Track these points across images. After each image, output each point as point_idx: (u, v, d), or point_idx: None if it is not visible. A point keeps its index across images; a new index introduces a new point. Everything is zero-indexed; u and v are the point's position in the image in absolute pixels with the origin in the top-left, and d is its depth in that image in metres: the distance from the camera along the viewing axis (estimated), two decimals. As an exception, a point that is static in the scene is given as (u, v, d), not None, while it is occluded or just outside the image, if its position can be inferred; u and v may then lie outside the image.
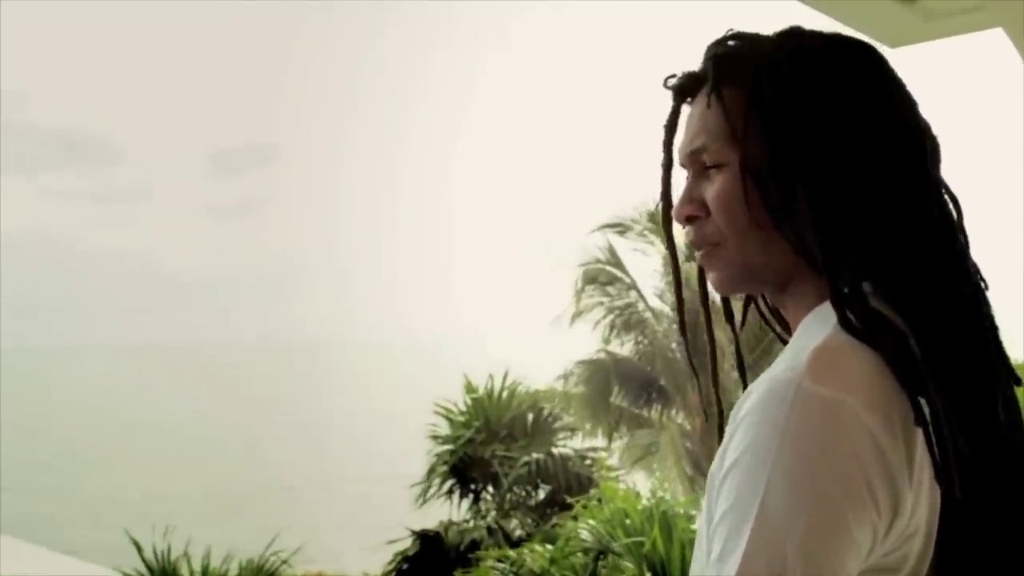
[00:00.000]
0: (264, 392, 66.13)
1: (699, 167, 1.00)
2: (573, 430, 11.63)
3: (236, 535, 11.03)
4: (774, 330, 1.07)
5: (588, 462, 10.64)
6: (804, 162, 0.92)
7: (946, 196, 0.98)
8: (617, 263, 12.76)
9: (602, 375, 12.53)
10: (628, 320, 12.64)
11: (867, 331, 0.88)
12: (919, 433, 0.85)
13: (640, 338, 12.71)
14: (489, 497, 10.69)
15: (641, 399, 12.66)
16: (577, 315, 12.56)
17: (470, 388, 11.31)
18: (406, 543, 9.71)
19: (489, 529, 9.54)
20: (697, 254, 1.02)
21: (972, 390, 0.91)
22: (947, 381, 0.89)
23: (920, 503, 0.87)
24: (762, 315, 1.09)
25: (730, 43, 1.00)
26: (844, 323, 0.89)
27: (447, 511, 10.64)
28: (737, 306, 1.12)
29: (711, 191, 0.98)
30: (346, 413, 47.49)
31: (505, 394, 11.30)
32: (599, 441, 12.09)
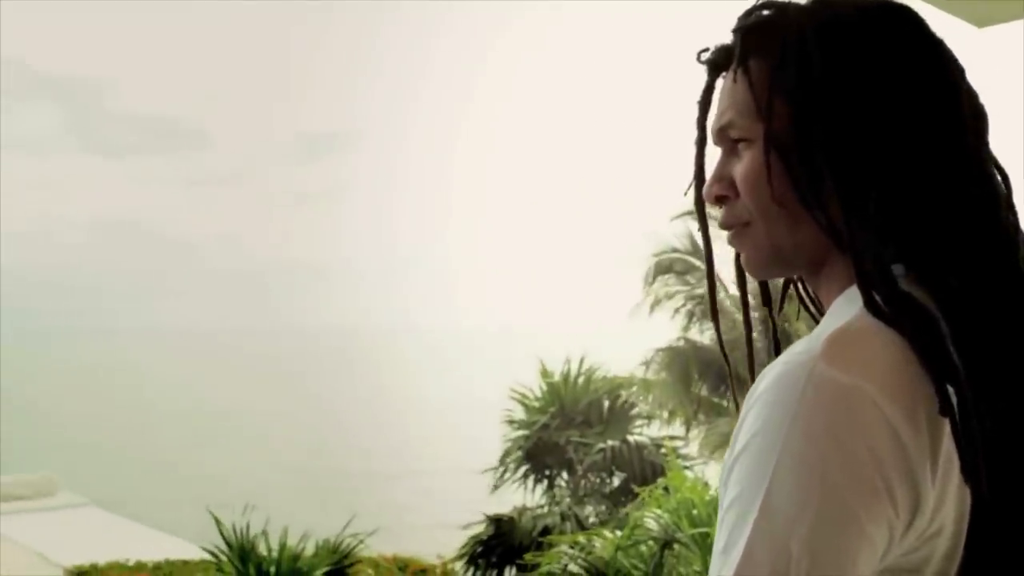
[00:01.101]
0: (343, 377, 67.43)
1: (729, 144, 0.95)
2: (649, 418, 11.49)
3: (312, 517, 11.19)
4: (812, 315, 0.99)
5: (663, 450, 10.49)
6: (829, 136, 0.85)
7: (992, 170, 0.89)
8: (696, 251, 12.58)
9: (681, 363, 12.36)
10: (707, 308, 12.43)
11: (893, 313, 0.80)
12: (946, 425, 0.77)
13: (731, 327, 12.51)
14: (563, 483, 10.65)
15: (721, 387, 12.46)
16: (656, 303, 12.44)
17: (545, 373, 11.26)
18: (480, 527, 9.73)
19: (562, 515, 9.48)
20: (727, 235, 0.96)
21: (1010, 380, 0.81)
22: (981, 369, 0.80)
23: (946, 500, 0.78)
24: (800, 299, 1.02)
25: (760, 13, 0.93)
26: (869, 304, 0.82)
27: (522, 496, 10.62)
28: (776, 291, 1.05)
29: (739, 169, 0.92)
30: (423, 399, 48.04)
31: (581, 380, 11.21)
32: (677, 429, 11.94)
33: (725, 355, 1.06)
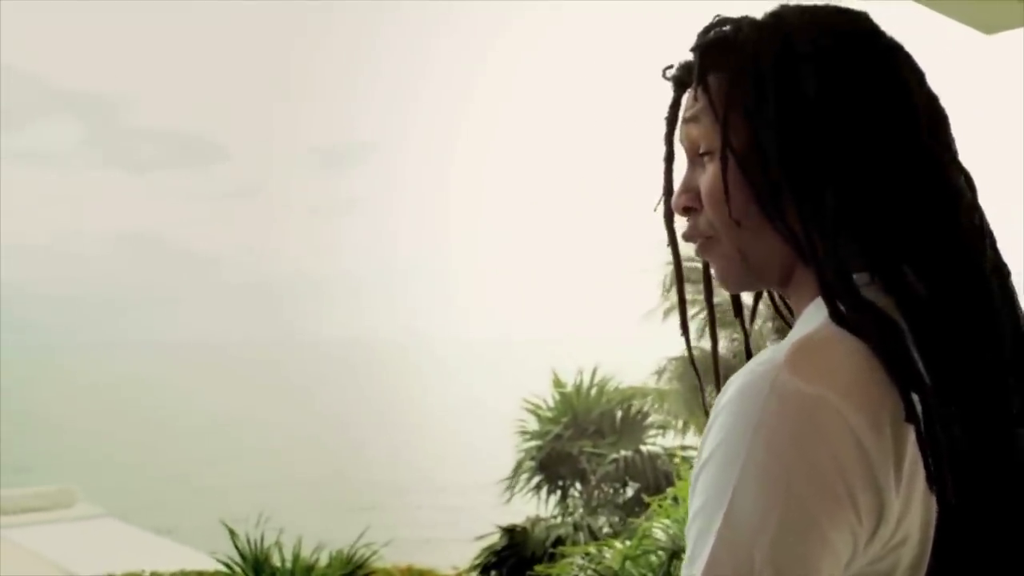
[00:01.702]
0: (357, 389, 67.48)
1: (694, 157, 0.96)
2: (663, 427, 11.44)
3: (326, 528, 11.22)
4: (788, 325, 0.99)
5: (677, 460, 10.45)
6: (784, 147, 0.86)
7: (953, 174, 0.89)
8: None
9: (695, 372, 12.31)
10: (723, 317, 12.35)
11: (857, 322, 0.81)
12: (911, 433, 0.77)
13: (735, 335, 12.45)
14: (577, 494, 10.62)
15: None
16: (668, 311, 12.40)
17: (558, 383, 11.25)
18: (494, 538, 9.71)
19: (576, 526, 9.46)
20: (695, 247, 0.98)
21: (979, 386, 0.82)
22: (946, 376, 0.81)
23: (912, 508, 0.78)
24: (777, 310, 1.02)
25: (716, 29, 0.95)
26: (833, 313, 0.82)
27: (535, 507, 10.60)
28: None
29: (704, 181, 0.94)
30: (437, 410, 47.98)
31: (594, 391, 11.19)
32: (692, 439, 11.89)
33: (696, 369, 1.07)
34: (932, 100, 0.91)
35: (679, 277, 1.03)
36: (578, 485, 10.64)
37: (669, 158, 1.00)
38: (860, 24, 0.91)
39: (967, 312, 0.84)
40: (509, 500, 10.80)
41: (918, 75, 0.91)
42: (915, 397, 0.77)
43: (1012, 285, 0.90)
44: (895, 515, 0.77)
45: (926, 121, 0.88)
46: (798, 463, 0.74)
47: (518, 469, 10.90)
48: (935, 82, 0.93)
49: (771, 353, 0.80)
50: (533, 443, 10.97)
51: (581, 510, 10.22)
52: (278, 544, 8.35)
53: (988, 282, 0.86)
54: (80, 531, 15.32)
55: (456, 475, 26.85)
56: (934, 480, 0.77)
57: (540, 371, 11.82)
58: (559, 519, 10.09)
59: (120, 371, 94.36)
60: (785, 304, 1.00)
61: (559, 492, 10.72)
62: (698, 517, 0.78)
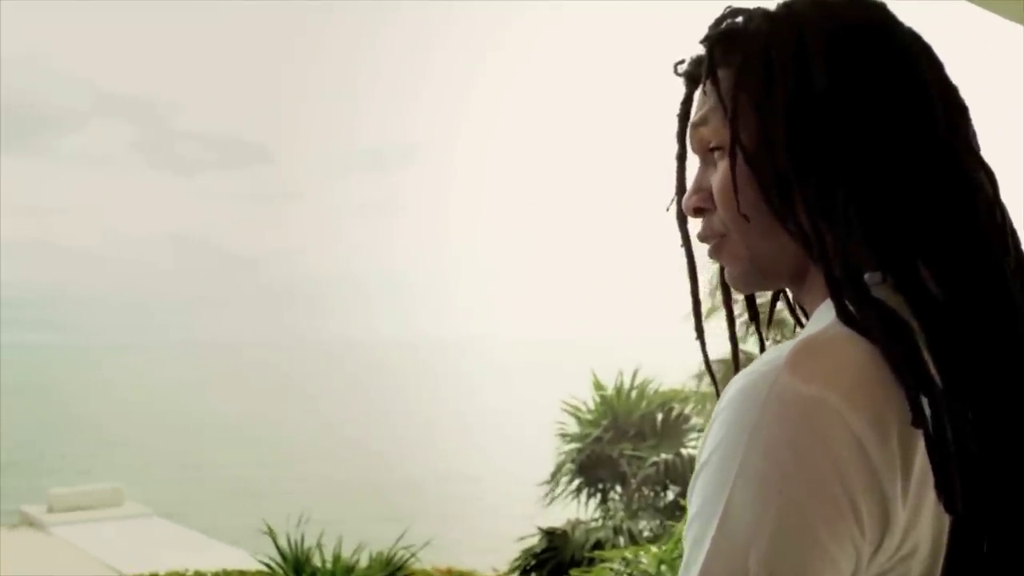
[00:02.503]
0: (403, 388, 67.90)
1: (705, 154, 0.93)
2: (704, 431, 11.34)
3: (367, 529, 11.28)
4: (802, 326, 0.95)
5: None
6: (794, 141, 0.83)
7: (972, 168, 0.84)
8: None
9: (736, 374, 12.20)
10: (765, 318, 12.24)
11: (865, 321, 0.77)
12: (920, 439, 0.73)
13: (779, 336, 12.27)
14: (617, 497, 10.57)
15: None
16: (711, 312, 12.28)
17: (598, 386, 11.20)
18: (533, 540, 9.70)
19: (615, 529, 9.42)
20: (707, 249, 0.95)
21: (997, 392, 0.77)
22: (959, 380, 0.76)
23: (921, 519, 0.74)
24: (792, 312, 0.98)
25: (727, 21, 0.92)
26: (840, 312, 0.78)
27: (575, 510, 10.57)
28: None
29: (715, 179, 0.90)
30: (479, 410, 48.11)
31: (634, 393, 11.13)
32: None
33: (711, 371, 1.03)
34: (951, 92, 0.87)
35: (693, 278, 0.99)
36: (618, 488, 10.58)
37: (682, 156, 0.97)
38: (874, 15, 0.88)
39: (984, 313, 0.79)
40: (549, 503, 10.77)
41: (936, 66, 0.87)
42: (924, 401, 0.73)
43: None
44: (902, 525, 0.73)
45: (943, 114, 0.84)
46: (796, 469, 0.71)
47: (558, 472, 10.87)
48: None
49: (773, 353, 0.77)
50: (573, 445, 10.94)
51: (621, 513, 10.16)
52: (319, 545, 8.43)
53: (1008, 281, 0.81)
54: (127, 529, 15.63)
55: (497, 477, 26.90)
56: (941, 488, 0.72)
57: (580, 373, 11.78)
58: (599, 522, 10.05)
59: (171, 372, 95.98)
60: (800, 306, 0.96)
61: (599, 495, 10.67)
62: (694, 523, 0.75)
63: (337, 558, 8.41)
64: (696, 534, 0.74)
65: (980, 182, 0.84)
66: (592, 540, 9.17)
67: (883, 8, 0.88)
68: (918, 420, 0.72)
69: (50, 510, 16.59)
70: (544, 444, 11.50)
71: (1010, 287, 0.81)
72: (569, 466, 10.79)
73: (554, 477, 10.88)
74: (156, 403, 56.10)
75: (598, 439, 10.73)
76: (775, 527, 0.70)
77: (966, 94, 0.88)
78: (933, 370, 0.75)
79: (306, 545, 8.38)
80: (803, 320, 0.94)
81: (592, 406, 11.17)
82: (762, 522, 0.71)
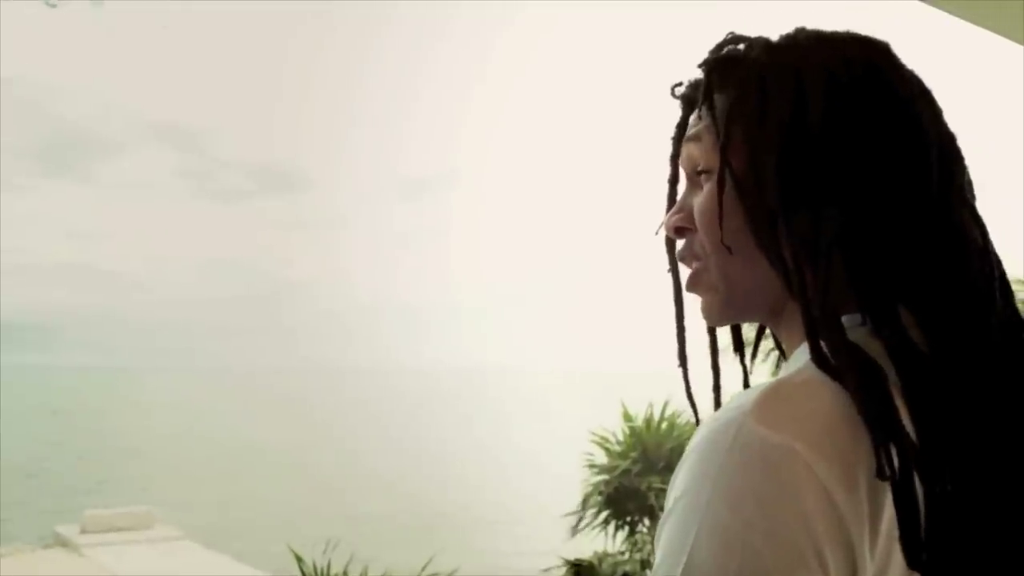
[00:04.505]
0: (433, 418, 67.86)
1: (692, 176, 0.93)
2: (734, 464, 11.21)
3: (392, 556, 11.26)
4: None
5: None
6: (783, 174, 0.82)
7: (963, 216, 0.84)
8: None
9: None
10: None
11: (839, 366, 0.75)
12: (889, 491, 0.71)
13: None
14: (645, 530, 10.46)
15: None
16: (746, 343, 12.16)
17: (628, 417, 11.14)
18: (560, 572, 9.62)
19: (643, 563, 9.32)
20: (685, 280, 0.94)
21: (966, 445, 0.75)
22: (933, 432, 0.74)
23: (892, 567, 0.72)
24: (778, 346, 0.96)
25: (728, 47, 0.91)
26: (815, 354, 0.77)
27: (602, 542, 10.48)
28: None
29: (698, 201, 0.90)
30: (510, 439, 47.91)
31: (664, 425, 11.05)
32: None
33: (694, 406, 1.01)
34: (947, 140, 0.86)
35: (679, 304, 0.98)
36: (646, 521, 10.48)
37: (674, 179, 0.97)
38: (877, 55, 0.87)
39: (964, 364, 0.78)
40: (575, 534, 10.69)
41: (935, 113, 0.87)
42: (893, 451, 0.71)
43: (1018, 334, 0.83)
44: None
45: (937, 161, 0.83)
46: (759, 519, 0.69)
47: (585, 503, 10.81)
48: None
49: (741, 399, 0.75)
50: (601, 477, 10.87)
51: (649, 547, 10.06)
52: (345, 572, 8.43)
53: (991, 332, 0.80)
54: (158, 552, 15.70)
55: (524, 507, 26.72)
56: (904, 541, 0.70)
57: (611, 404, 11.72)
58: (626, 555, 9.96)
59: (200, 398, 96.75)
60: (777, 341, 0.95)
61: (627, 528, 10.58)
62: (658, 572, 0.74)
63: (363, 585, 8.42)
64: None
65: (970, 232, 0.84)
66: (619, 573, 9.09)
67: (886, 49, 0.88)
68: (882, 471, 0.70)
69: (83, 531, 16.74)
70: (572, 476, 11.43)
71: (993, 339, 0.80)
72: (596, 498, 10.72)
73: (582, 508, 10.81)
74: (192, 428, 56.56)
75: (626, 471, 10.65)
76: None
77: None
78: (906, 420, 0.74)
79: (332, 572, 8.40)
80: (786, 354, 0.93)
81: (621, 437, 11.11)
82: (724, 572, 0.69)
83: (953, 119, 0.88)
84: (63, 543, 16.46)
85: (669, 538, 0.74)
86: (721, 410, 0.76)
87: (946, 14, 2.34)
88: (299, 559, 8.35)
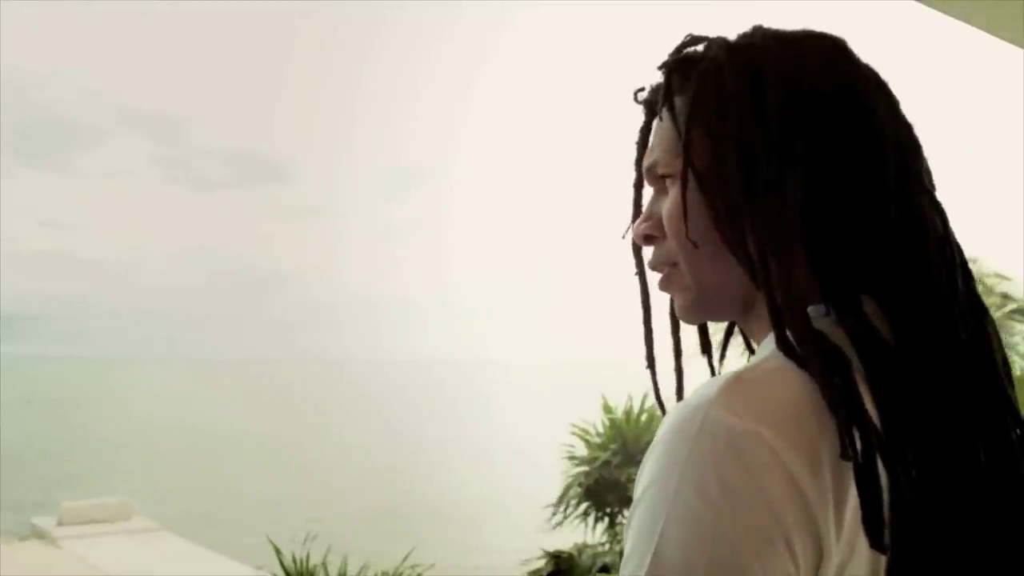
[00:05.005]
0: (416, 409, 67.87)
1: (657, 183, 0.94)
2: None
3: (373, 547, 11.25)
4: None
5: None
6: (744, 168, 0.83)
7: (922, 205, 0.85)
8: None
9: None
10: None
11: (803, 352, 0.76)
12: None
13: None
14: (625, 521, 10.50)
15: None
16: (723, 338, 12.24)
17: (607, 409, 11.17)
18: (539, 563, 9.65)
19: (623, 554, 9.33)
20: (658, 280, 0.95)
21: (927, 429, 0.77)
22: (896, 416, 0.76)
23: (856, 556, 0.73)
24: (747, 343, 0.97)
25: (686, 48, 0.92)
26: (780, 342, 0.78)
27: (582, 533, 10.52)
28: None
29: (665, 207, 0.91)
30: (488, 432, 47.97)
31: (644, 417, 11.08)
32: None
33: (662, 407, 1.00)
34: (904, 129, 0.88)
35: (646, 307, 0.99)
36: (626, 513, 10.52)
37: (639, 184, 0.98)
38: (834, 51, 0.88)
39: (926, 350, 0.79)
40: (556, 526, 10.72)
41: (891, 103, 0.88)
42: (856, 435, 0.72)
43: (989, 325, 0.86)
44: (835, 561, 0.72)
45: (894, 152, 0.85)
46: (726, 504, 0.70)
47: (565, 495, 10.83)
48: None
49: (706, 387, 0.76)
50: (581, 469, 10.90)
51: (629, 538, 10.12)
52: (324, 563, 8.42)
53: (953, 318, 0.82)
54: (136, 544, 15.63)
55: (504, 498, 26.78)
56: (867, 523, 0.71)
57: (594, 395, 11.74)
58: (606, 546, 9.99)
59: (178, 388, 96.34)
60: (747, 337, 0.96)
61: (607, 519, 10.62)
62: (629, 562, 0.74)
63: (342, 575, 8.41)
64: (630, 573, 0.73)
65: (930, 220, 0.85)
66: (599, 564, 9.12)
67: (842, 44, 0.89)
68: (846, 453, 0.72)
69: (60, 523, 16.64)
70: (555, 467, 11.45)
71: (955, 325, 0.81)
72: (576, 489, 10.75)
73: (561, 500, 10.84)
74: (169, 418, 56.26)
75: (606, 463, 10.68)
76: (707, 565, 0.70)
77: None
78: (870, 405, 0.75)
79: (311, 563, 8.38)
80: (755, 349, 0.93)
81: (601, 429, 11.13)
82: (694, 560, 0.70)
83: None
84: (39, 535, 16.35)
85: (638, 527, 0.74)
86: (686, 398, 0.77)
87: (947, 16, 2.34)
88: (278, 551, 8.32)
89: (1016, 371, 9.78)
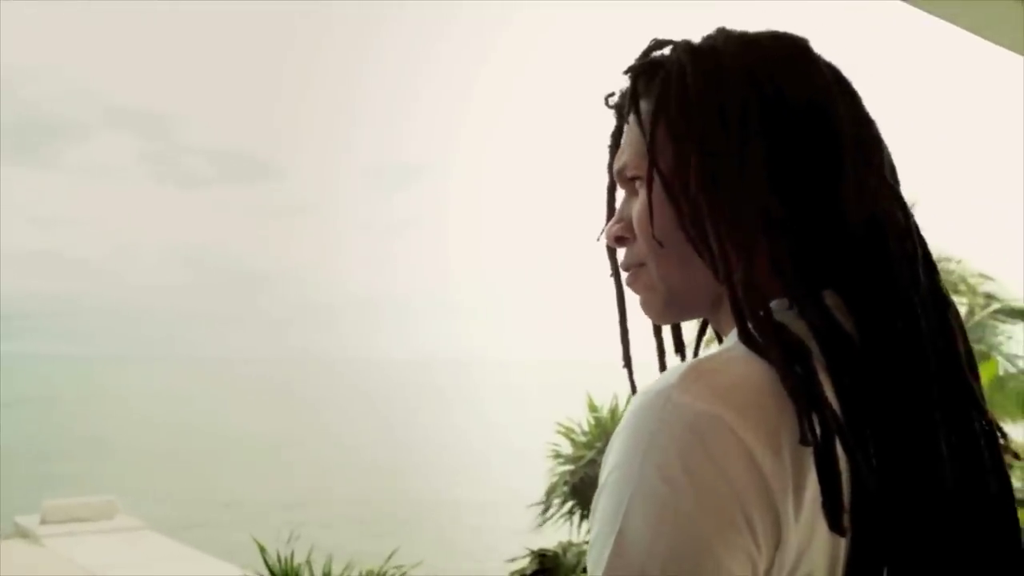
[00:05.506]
0: (406, 407, 67.86)
1: (628, 185, 0.97)
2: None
3: (357, 547, 11.23)
4: None
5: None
6: (705, 167, 0.85)
7: (884, 199, 0.88)
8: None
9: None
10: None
11: (764, 342, 0.78)
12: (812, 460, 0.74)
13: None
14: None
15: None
16: (711, 338, 12.26)
17: (593, 407, 11.20)
18: (524, 562, 9.64)
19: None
20: (624, 277, 0.97)
21: (897, 419, 0.79)
22: (861, 405, 0.78)
23: (815, 541, 0.75)
24: (720, 341, 0.98)
25: (651, 52, 0.95)
26: (741, 332, 0.80)
27: (567, 532, 10.52)
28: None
29: (635, 209, 0.93)
30: (477, 430, 47.97)
31: (630, 415, 11.11)
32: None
33: None
34: (865, 126, 0.91)
35: (622, 308, 1.01)
36: (612, 511, 10.55)
37: (612, 187, 1.00)
38: (795, 51, 0.91)
39: (887, 341, 0.81)
40: (541, 524, 10.74)
41: (852, 101, 0.90)
42: (816, 421, 0.74)
43: (953, 317, 0.87)
44: (794, 545, 0.74)
45: (853, 147, 0.87)
46: (688, 486, 0.72)
47: (551, 493, 10.85)
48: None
49: (669, 373, 0.78)
50: (566, 467, 10.91)
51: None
52: (308, 563, 8.40)
53: (915, 309, 0.83)
54: (120, 542, 15.56)
55: (489, 497, 26.79)
56: (826, 507, 0.73)
57: (583, 393, 11.76)
58: (591, 545, 10.00)
59: (165, 385, 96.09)
60: (718, 335, 0.98)
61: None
62: (594, 545, 0.75)
63: (327, 574, 8.38)
64: (595, 555, 0.75)
65: (891, 213, 0.87)
66: (583, 563, 9.12)
67: (803, 44, 0.91)
68: (806, 438, 0.73)
69: (43, 521, 16.54)
70: (543, 466, 11.47)
71: (916, 317, 0.83)
72: (562, 488, 10.76)
73: (547, 498, 10.85)
74: (156, 416, 56.04)
75: (592, 461, 10.69)
76: (670, 544, 0.71)
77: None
78: (830, 394, 0.77)
79: (296, 561, 8.35)
80: None
81: (587, 427, 11.15)
82: (657, 540, 0.71)
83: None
84: (23, 534, 16.26)
85: (603, 509, 0.76)
86: (650, 384, 0.79)
87: (946, 20, 2.34)
88: (262, 549, 8.30)
89: (1000, 371, 9.81)
